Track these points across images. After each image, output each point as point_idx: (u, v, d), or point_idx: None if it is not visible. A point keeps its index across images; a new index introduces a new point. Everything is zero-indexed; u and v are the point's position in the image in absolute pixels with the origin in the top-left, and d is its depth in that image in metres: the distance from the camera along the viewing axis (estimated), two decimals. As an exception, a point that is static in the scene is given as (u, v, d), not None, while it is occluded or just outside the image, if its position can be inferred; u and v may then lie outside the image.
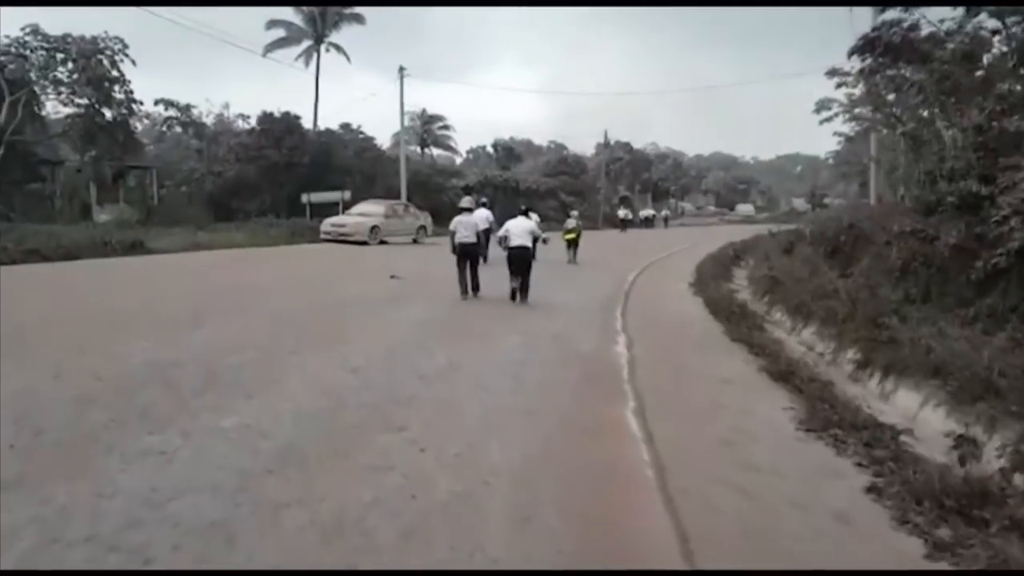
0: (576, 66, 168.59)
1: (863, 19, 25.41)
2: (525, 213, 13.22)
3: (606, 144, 61.33)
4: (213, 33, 68.37)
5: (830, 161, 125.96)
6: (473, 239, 11.59)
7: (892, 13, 15.42)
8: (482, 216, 13.90)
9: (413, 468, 4.25)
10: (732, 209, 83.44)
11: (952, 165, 12.05)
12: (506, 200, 34.42)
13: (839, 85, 23.76)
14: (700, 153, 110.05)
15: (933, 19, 14.97)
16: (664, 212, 62.07)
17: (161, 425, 4.68)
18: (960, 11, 13.96)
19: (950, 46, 14.42)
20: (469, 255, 11.64)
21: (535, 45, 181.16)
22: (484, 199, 25.52)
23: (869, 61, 18.18)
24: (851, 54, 17.69)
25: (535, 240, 12.19)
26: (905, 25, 15.23)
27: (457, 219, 11.85)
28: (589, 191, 55.80)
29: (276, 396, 5.51)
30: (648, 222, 55.29)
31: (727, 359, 8.19)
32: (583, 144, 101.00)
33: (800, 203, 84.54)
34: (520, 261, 11.41)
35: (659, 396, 6.36)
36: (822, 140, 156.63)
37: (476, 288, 11.75)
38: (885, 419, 5.78)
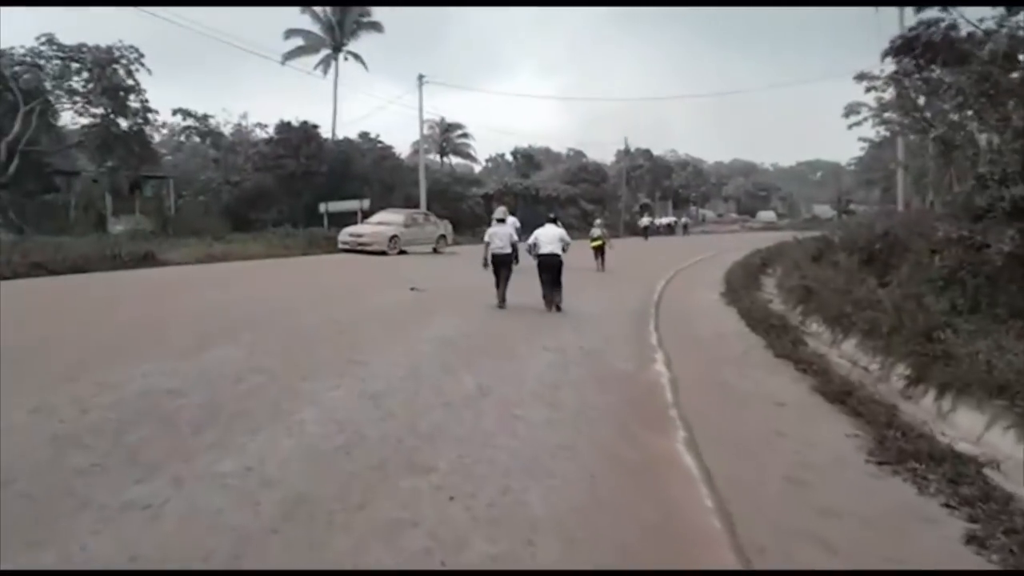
0: (595, 73, 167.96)
1: (889, 23, 24.65)
2: (553, 221, 13.03)
3: (626, 151, 60.78)
4: (232, 41, 68.50)
5: (851, 167, 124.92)
6: (508, 249, 11.65)
7: (930, 12, 14.72)
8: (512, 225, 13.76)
9: (441, 523, 3.60)
10: (753, 216, 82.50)
11: (1004, 169, 11.39)
12: (526, 208, 33.78)
13: (868, 89, 23.00)
14: (720, 160, 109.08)
15: (971, 19, 14.31)
16: (684, 219, 61.28)
17: (150, 471, 4.06)
18: (1000, 10, 13.36)
19: (990, 46, 13.76)
20: (505, 265, 11.62)
21: (553, 53, 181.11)
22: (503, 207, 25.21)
23: (905, 62, 17.51)
24: (886, 55, 17.01)
25: (564, 247, 11.90)
26: (944, 24, 14.58)
27: (491, 230, 11.90)
28: (610, 199, 55.23)
29: (284, 431, 4.88)
30: (670, 229, 54.52)
31: (774, 377, 7.56)
32: (602, 151, 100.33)
33: (822, 210, 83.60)
34: (551, 268, 11.44)
35: (710, 424, 5.70)
36: (842, 146, 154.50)
37: (502, 298, 11.61)
38: (944, 440, 5.35)
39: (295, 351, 7.61)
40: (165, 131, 44.14)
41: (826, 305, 10.98)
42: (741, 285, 15.89)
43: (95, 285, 13.79)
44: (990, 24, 13.85)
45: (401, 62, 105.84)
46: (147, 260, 17.01)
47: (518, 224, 16.11)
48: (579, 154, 71.16)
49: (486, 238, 11.83)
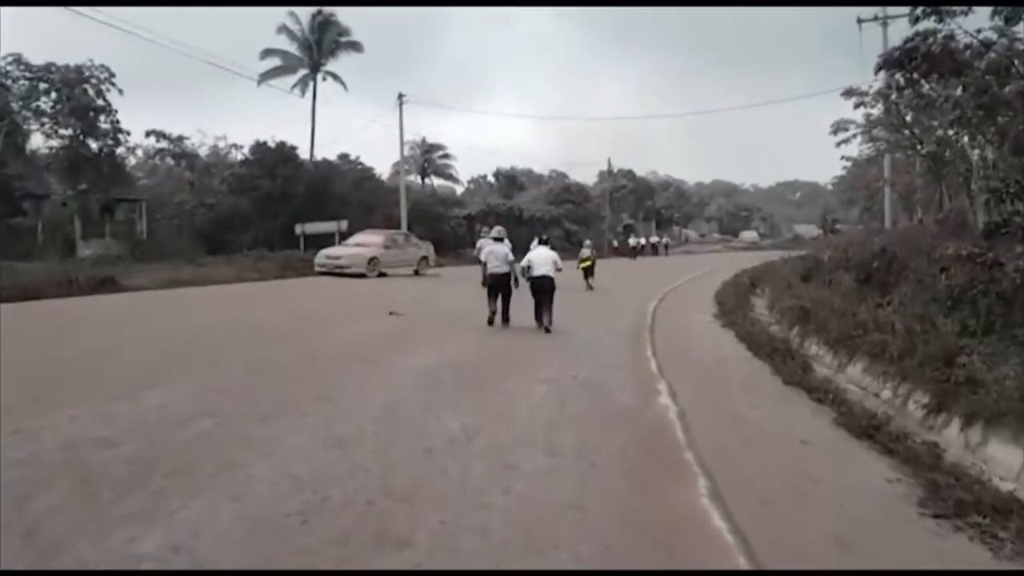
0: (577, 95, 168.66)
1: (871, 41, 24.33)
2: (546, 243, 12.85)
3: (609, 172, 60.45)
4: (208, 59, 67.58)
5: (830, 187, 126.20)
6: (505, 269, 11.61)
7: (926, 24, 14.27)
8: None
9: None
10: (736, 236, 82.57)
11: (1020, 183, 10.91)
12: (510, 229, 33.05)
13: (857, 105, 22.60)
14: (701, 181, 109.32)
15: (969, 30, 13.87)
16: (665, 239, 60.77)
17: (47, 553, 3.19)
18: (998, 21, 12.96)
19: (989, 56, 13.33)
20: (501, 285, 11.62)
21: (535, 76, 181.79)
22: (486, 228, 24.63)
23: (898, 76, 17.04)
24: (879, 69, 16.55)
25: (558, 269, 11.89)
26: (941, 35, 14.13)
27: (488, 249, 12.16)
28: (593, 219, 54.75)
29: (229, 493, 4.00)
30: (655, 249, 53.99)
31: (789, 409, 6.88)
32: (585, 172, 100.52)
33: (804, 229, 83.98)
34: (544, 290, 11.42)
35: (732, 468, 4.93)
36: (821, 167, 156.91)
37: (506, 319, 11.66)
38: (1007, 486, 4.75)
39: (256, 388, 6.74)
40: (140, 154, 43.64)
41: (825, 326, 10.56)
42: (734, 306, 15.44)
43: (42, 313, 12.74)
44: (988, 35, 13.42)
45: (382, 84, 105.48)
46: (107, 286, 15.95)
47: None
48: (561, 175, 70.86)
49: (482, 257, 12.05)
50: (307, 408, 6.00)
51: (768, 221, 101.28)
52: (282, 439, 5.06)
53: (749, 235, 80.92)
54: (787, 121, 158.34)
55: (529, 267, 11.58)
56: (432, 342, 9.79)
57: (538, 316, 11.42)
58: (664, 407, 6.66)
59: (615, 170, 62.00)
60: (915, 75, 15.71)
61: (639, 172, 71.94)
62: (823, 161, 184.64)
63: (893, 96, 18.72)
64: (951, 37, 13.77)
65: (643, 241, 53.07)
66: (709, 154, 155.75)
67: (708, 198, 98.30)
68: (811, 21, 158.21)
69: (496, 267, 11.62)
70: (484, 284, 12.11)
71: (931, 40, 12.73)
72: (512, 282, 11.72)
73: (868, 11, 26.37)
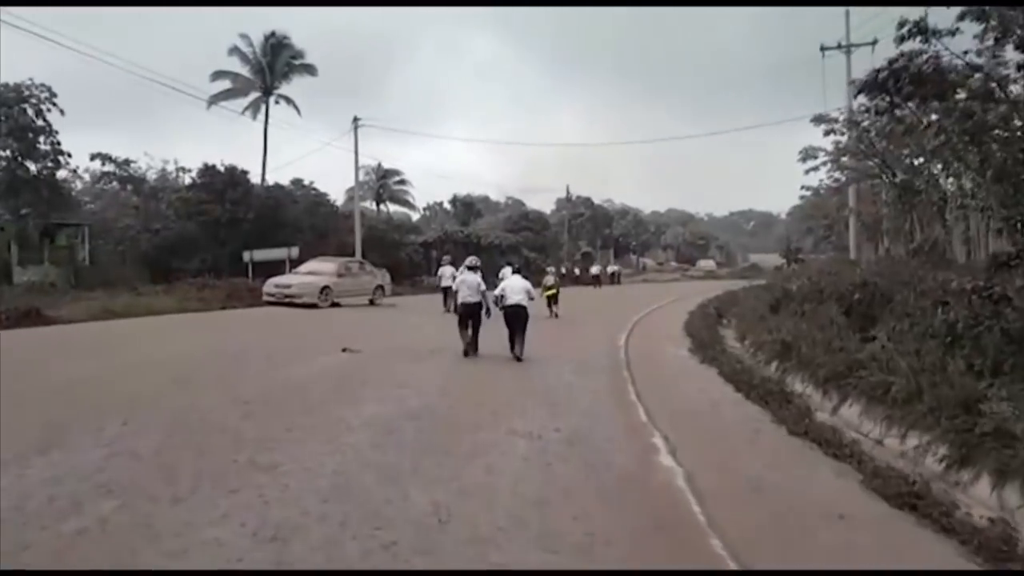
0: (533, 123, 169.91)
1: (835, 71, 24.25)
2: (519, 271, 13.04)
3: (568, 199, 60.07)
4: (157, 79, 65.74)
5: (784, 216, 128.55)
6: (477, 298, 11.54)
7: (911, 44, 13.81)
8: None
9: None
10: (693, 264, 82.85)
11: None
12: (467, 256, 31.89)
13: (827, 132, 22.32)
14: (657, 210, 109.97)
15: (956, 51, 13.46)
16: (616, 267, 59.98)
17: None
18: (989, 42, 12.60)
19: (975, 79, 12.93)
20: (472, 315, 11.54)
21: (491, 103, 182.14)
22: (446, 256, 23.81)
23: (876, 101, 16.61)
24: (859, 92, 16.10)
25: (531, 298, 11.96)
26: (927, 56, 13.68)
27: (460, 279, 12.16)
28: (552, 247, 54.14)
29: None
30: (612, 277, 53.27)
31: (807, 469, 6.00)
32: (541, 200, 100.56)
33: (760, 258, 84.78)
34: (518, 319, 11.41)
35: (774, 563, 3.92)
36: (774, 197, 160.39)
37: (475, 348, 11.53)
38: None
39: (176, 451, 5.51)
40: (87, 178, 41.87)
41: (811, 362, 9.83)
42: (707, 339, 14.76)
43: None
44: (973, 57, 13.03)
45: (337, 110, 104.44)
46: (31, 318, 14.33)
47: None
48: (518, 203, 70.48)
49: (444, 284, 12.40)
50: (237, 479, 4.82)
51: (724, 250, 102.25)
52: (200, 530, 3.88)
53: (706, 264, 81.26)
54: (741, 151, 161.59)
55: (503, 296, 11.53)
56: (391, 384, 8.66)
57: (512, 345, 11.36)
58: (668, 470, 5.64)
59: (573, 197, 61.65)
60: (895, 99, 15.26)
61: (596, 200, 71.95)
62: (776, 191, 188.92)
63: (865, 123, 18.35)
64: (938, 58, 13.34)
65: (605, 270, 52.46)
66: (665, 183, 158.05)
67: (665, 226, 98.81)
68: (764, 52, 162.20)
69: (468, 296, 11.52)
70: (454, 312, 12.19)
71: (921, 59, 12.25)
72: (484, 312, 11.64)
73: (831, 39, 26.30)
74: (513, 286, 11.69)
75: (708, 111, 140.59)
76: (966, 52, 13.06)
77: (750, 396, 8.92)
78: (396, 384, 8.66)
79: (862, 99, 15.73)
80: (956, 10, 12.17)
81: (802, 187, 38.69)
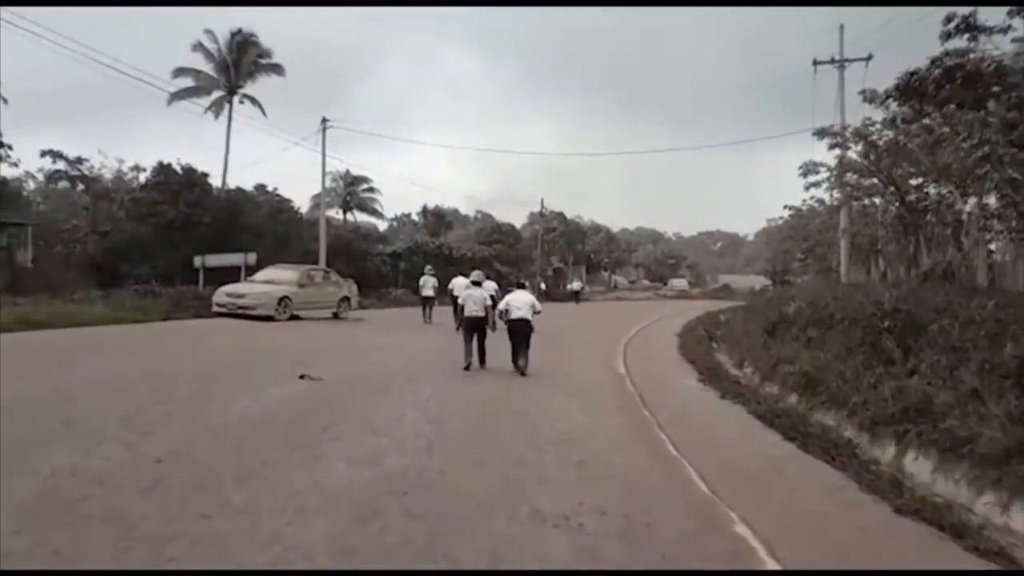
0: (505, 137, 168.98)
1: (827, 88, 22.87)
2: (522, 286, 13.17)
3: (541, 213, 58.37)
4: (115, 65, 62.77)
5: (750, 238, 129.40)
6: (481, 313, 11.61)
7: (956, 42, 12.35)
8: (490, 288, 14.13)
9: None
10: (665, 284, 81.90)
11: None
12: (438, 267, 29.69)
13: (832, 146, 20.85)
14: (626, 227, 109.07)
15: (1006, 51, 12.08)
16: (583, 285, 58.01)
17: None
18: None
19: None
20: (477, 328, 11.64)
21: (462, 115, 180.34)
22: (429, 266, 24.16)
23: (903, 108, 15.15)
24: (888, 97, 14.62)
25: (536, 312, 11.81)
26: (969, 57, 12.23)
27: (466, 292, 12.25)
28: (524, 261, 52.32)
29: None
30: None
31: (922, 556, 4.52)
32: (511, 213, 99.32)
33: (731, 279, 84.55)
34: (521, 332, 11.44)
35: None
36: (740, 219, 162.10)
37: (483, 361, 11.67)
38: None
39: (36, 551, 3.47)
40: (41, 177, 39.34)
41: (842, 399, 8.55)
42: (711, 365, 13.55)
43: None
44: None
45: (305, 117, 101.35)
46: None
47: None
48: (487, 216, 68.85)
49: (460, 300, 12.68)
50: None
51: (694, 269, 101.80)
52: None
53: (679, 283, 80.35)
54: (710, 172, 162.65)
55: (507, 310, 11.52)
56: (363, 429, 6.66)
57: (515, 359, 11.40)
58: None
59: (547, 211, 59.95)
60: (925, 106, 13.76)
61: (569, 215, 70.47)
62: (743, 213, 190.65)
63: (873, 136, 16.84)
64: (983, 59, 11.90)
65: (584, 287, 50.90)
66: (634, 201, 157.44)
67: (636, 244, 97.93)
68: (734, 74, 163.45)
69: (474, 311, 11.61)
70: (458, 328, 12.41)
71: (982, 57, 10.74)
72: (488, 326, 11.74)
73: (824, 53, 25.20)
74: (516, 300, 11.61)
75: (684, 129, 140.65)
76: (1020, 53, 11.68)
77: (808, 448, 7.27)
78: (369, 429, 6.66)
79: (867, 109, 14.34)
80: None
81: (785, 206, 37.71)
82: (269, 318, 18.35)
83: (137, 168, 37.92)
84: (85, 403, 7.17)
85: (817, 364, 10.41)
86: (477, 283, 12.27)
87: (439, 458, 5.85)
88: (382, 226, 59.32)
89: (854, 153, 20.22)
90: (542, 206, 57.55)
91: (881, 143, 18.19)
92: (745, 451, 7.17)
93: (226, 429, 6.35)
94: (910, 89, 13.16)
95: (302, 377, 9.20)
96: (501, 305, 11.86)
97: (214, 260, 26.33)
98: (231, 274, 23.86)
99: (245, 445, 5.82)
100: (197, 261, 26.71)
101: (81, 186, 38.04)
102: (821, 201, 32.05)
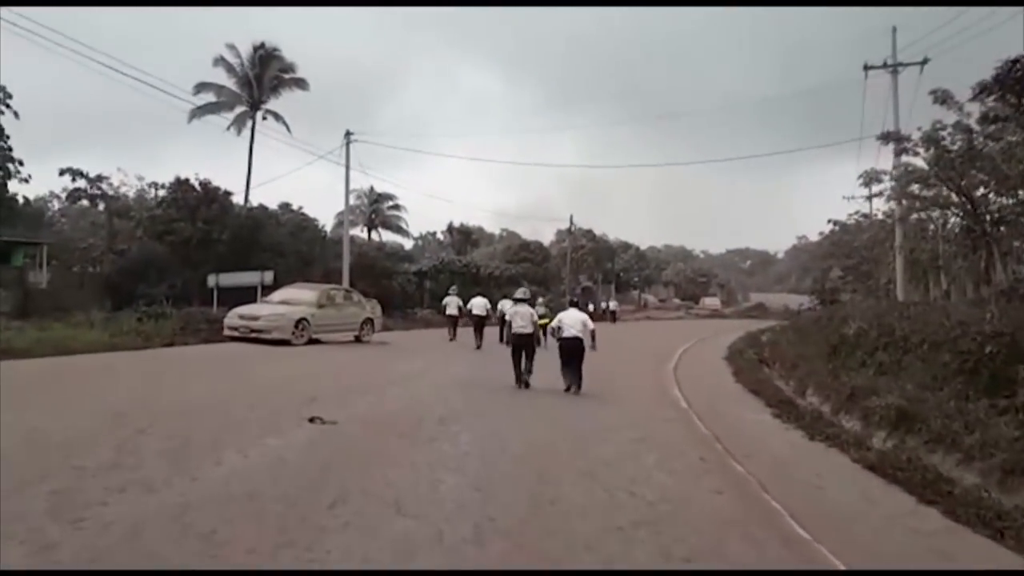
0: (528, 156, 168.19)
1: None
2: (575, 304, 13.22)
3: (570, 230, 56.77)
4: (134, 74, 63.01)
5: (780, 256, 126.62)
6: (529, 329, 11.68)
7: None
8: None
9: None
10: (697, 302, 79.65)
11: None
12: (465, 287, 28.25)
13: (900, 152, 19.00)
14: (653, 245, 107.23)
15: None
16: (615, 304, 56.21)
17: None
18: None
19: None
20: (524, 346, 11.65)
21: (485, 140, 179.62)
22: (454, 287, 23.70)
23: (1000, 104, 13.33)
24: (982, 91, 12.83)
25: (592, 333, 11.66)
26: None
27: (512, 309, 12.29)
28: (552, 279, 50.71)
29: None
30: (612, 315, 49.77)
31: None
32: (536, 232, 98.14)
33: (764, 298, 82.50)
34: (573, 351, 11.28)
35: None
36: (770, 236, 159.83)
37: (527, 383, 11.60)
38: None
39: None
40: (64, 197, 39.03)
41: (950, 440, 7.28)
42: (782, 398, 11.85)
43: None
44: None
45: (330, 136, 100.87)
46: None
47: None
48: (513, 235, 67.57)
49: (507, 316, 12.87)
50: None
51: (725, 288, 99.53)
52: None
53: (711, 302, 77.99)
54: (740, 189, 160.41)
55: (559, 328, 11.42)
56: (382, 504, 4.88)
57: (566, 378, 11.34)
58: None
59: (575, 228, 58.35)
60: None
61: (597, 233, 68.87)
62: (773, 230, 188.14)
63: (983, 130, 14.97)
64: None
65: (612, 305, 49.04)
66: (662, 218, 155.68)
67: (665, 263, 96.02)
68: (751, 89, 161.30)
69: (521, 327, 11.67)
70: (505, 343, 12.59)
71: None
72: (536, 342, 11.91)
73: (877, 58, 23.48)
74: (569, 319, 11.48)
75: (710, 145, 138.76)
76: None
77: (958, 517, 5.48)
78: (392, 504, 4.85)
79: (919, 118, 12.62)
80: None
81: (829, 220, 35.85)
82: (285, 342, 16.78)
83: (155, 185, 37.07)
84: (36, 459, 5.43)
85: (905, 395, 9.00)
86: (522, 300, 12.24)
87: (493, 555, 4.06)
88: (408, 244, 58.36)
89: (921, 160, 18.42)
90: (571, 223, 56.01)
91: (955, 148, 16.49)
92: (886, 528, 5.36)
93: (193, 511, 4.49)
94: (1011, 80, 11.38)
95: (312, 420, 7.51)
96: (554, 322, 11.83)
97: (228, 279, 25.03)
98: (247, 294, 22.44)
99: (216, 538, 4.02)
100: (211, 280, 25.40)
101: (101, 205, 37.41)
102: (866, 216, 30.27)
